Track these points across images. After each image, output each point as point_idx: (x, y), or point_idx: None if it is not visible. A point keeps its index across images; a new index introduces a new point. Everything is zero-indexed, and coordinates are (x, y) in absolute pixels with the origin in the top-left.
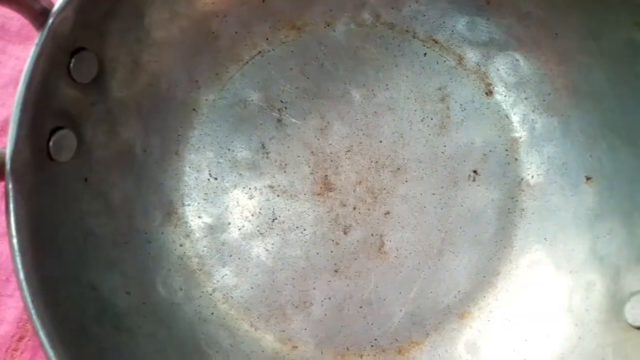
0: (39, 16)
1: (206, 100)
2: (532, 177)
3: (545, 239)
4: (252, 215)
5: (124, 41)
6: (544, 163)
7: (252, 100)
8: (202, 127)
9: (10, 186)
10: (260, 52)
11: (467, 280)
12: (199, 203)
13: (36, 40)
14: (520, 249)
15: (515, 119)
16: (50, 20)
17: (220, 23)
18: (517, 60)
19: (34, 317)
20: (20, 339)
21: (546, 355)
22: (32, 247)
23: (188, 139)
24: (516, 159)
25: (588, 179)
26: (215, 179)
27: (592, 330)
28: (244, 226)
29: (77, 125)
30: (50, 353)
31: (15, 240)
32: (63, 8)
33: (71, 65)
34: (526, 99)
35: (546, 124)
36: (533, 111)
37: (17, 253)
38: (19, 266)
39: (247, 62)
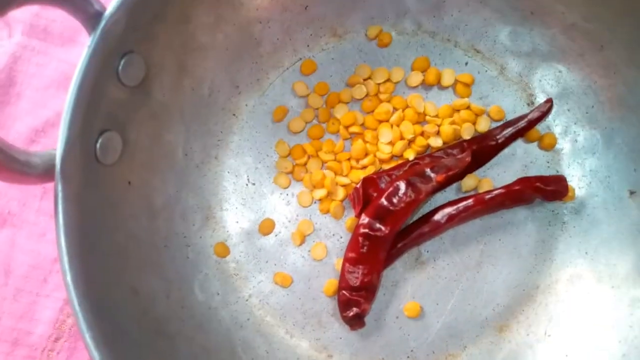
0: (92, 18)
1: (246, 105)
2: (574, 190)
3: (586, 253)
4: (289, 221)
5: (171, 45)
6: (586, 176)
7: (292, 106)
8: (242, 133)
9: (59, 187)
10: (301, 58)
11: (505, 293)
12: (237, 208)
13: (88, 42)
14: (560, 262)
15: (557, 130)
16: (103, 23)
17: (263, 29)
18: (560, 71)
19: (81, 320)
20: (57, 339)
21: None
22: (78, 249)
23: (228, 144)
24: (557, 171)
25: (632, 193)
26: (254, 184)
27: (638, 347)
28: (280, 232)
29: (123, 127)
30: (96, 356)
31: (63, 242)
32: (115, 10)
33: (120, 68)
34: (568, 110)
35: (589, 137)
36: (575, 123)
37: (64, 255)
38: (66, 267)
39: (287, 69)
